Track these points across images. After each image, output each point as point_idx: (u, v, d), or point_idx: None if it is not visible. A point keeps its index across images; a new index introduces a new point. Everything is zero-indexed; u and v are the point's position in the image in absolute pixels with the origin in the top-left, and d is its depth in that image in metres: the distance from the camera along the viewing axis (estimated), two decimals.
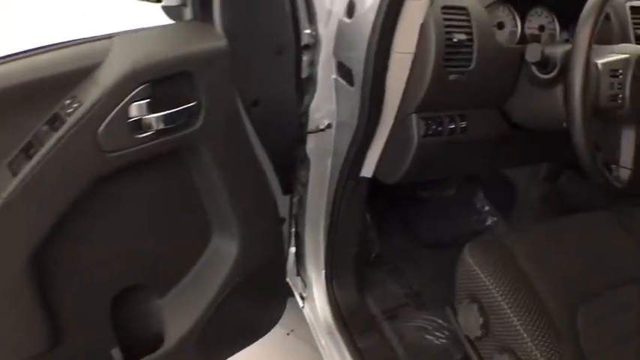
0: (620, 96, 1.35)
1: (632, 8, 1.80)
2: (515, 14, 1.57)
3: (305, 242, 1.77)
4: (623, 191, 1.38)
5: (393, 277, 2.04)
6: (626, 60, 1.37)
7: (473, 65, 1.40)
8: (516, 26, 1.58)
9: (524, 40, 1.58)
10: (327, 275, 1.73)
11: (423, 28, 1.32)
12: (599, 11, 1.28)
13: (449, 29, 1.36)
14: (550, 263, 1.44)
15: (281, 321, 1.82)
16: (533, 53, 1.37)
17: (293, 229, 1.78)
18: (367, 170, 1.53)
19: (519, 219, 2.28)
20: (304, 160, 1.64)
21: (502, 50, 1.47)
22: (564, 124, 1.34)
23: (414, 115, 1.43)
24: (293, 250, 1.83)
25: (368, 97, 1.36)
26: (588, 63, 1.26)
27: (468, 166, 1.75)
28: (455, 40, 1.36)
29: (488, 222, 2.33)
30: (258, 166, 1.46)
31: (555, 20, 1.65)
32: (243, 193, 1.43)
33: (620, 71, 1.35)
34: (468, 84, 1.42)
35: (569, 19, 1.58)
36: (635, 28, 1.77)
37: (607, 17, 1.69)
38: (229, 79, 1.29)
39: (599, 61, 1.34)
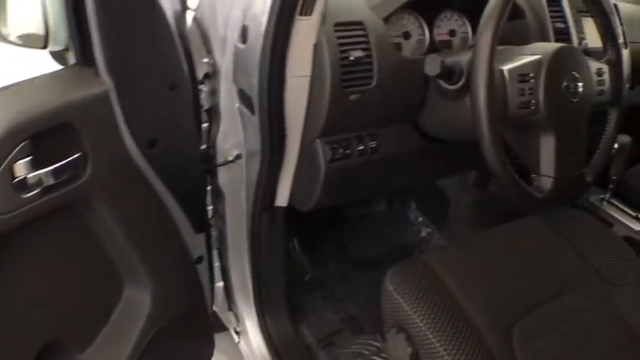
0: (533, 102, 1.27)
1: (549, 0, 1.77)
2: (422, 21, 1.52)
3: (232, 276, 1.71)
4: (545, 202, 1.31)
5: (329, 303, 1.98)
6: (537, 62, 1.28)
7: (374, 83, 1.35)
8: (424, 34, 1.53)
9: (434, 47, 1.54)
10: (257, 308, 1.66)
11: (317, 48, 1.26)
12: (500, 13, 1.20)
13: (344, 47, 1.31)
14: (480, 281, 1.39)
15: (223, 356, 1.76)
16: (432, 66, 1.30)
17: (217, 264, 1.72)
18: (281, 199, 1.47)
19: (453, 227, 2.24)
20: (218, 194, 1.59)
21: (405, 63, 1.42)
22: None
23: (318, 141, 1.38)
24: (221, 284, 1.77)
25: (267, 126, 1.30)
26: (492, 70, 1.19)
27: (386, 184, 1.69)
28: (351, 58, 1.31)
29: (423, 233, 2.28)
30: (161, 210, 1.39)
31: (467, 23, 1.60)
32: (147, 240, 1.37)
33: (531, 75, 1.27)
34: (372, 102, 1.37)
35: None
36: (553, 22, 1.74)
37: (522, 14, 1.65)
38: (113, 125, 1.24)
39: (505, 67, 1.25)
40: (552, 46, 1.34)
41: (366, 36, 1.34)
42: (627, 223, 1.99)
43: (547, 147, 1.30)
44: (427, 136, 1.53)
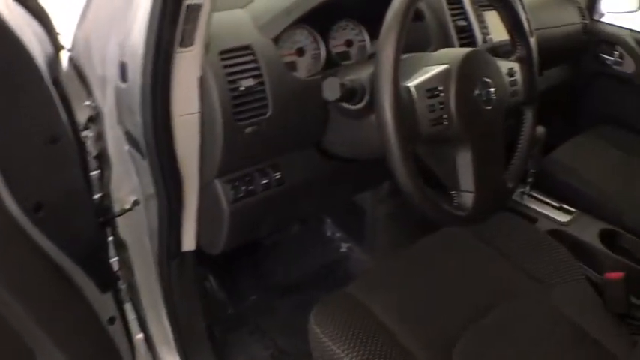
0: (445, 116, 1.17)
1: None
2: (316, 35, 1.44)
3: (150, 327, 1.60)
4: (468, 220, 1.23)
5: (256, 338, 1.90)
6: (445, 73, 1.19)
7: (270, 112, 1.26)
8: (319, 48, 1.45)
9: (331, 61, 1.47)
10: (182, 356, 1.58)
11: (203, 81, 1.16)
12: (402, 24, 1.11)
13: (233, 77, 1.21)
14: (409, 304, 1.34)
15: None
16: (330, 90, 1.17)
17: (133, 317, 1.62)
18: (188, 244, 1.37)
19: (372, 240, 2.18)
20: (121, 244, 1.49)
21: (301, 85, 1.33)
22: None
23: (217, 181, 1.29)
24: (141, 336, 1.67)
25: (159, 169, 1.20)
26: (397, 89, 1.08)
27: (297, 213, 1.63)
28: (242, 88, 1.21)
29: (343, 249, 2.22)
30: (58, 275, 1.29)
31: (364, 31, 1.53)
32: (46, 310, 1.26)
33: (440, 88, 1.17)
34: (271, 132, 1.28)
35: (378, 27, 1.46)
36: (455, 20, 1.70)
37: (421, 16, 1.60)
38: None
39: (412, 84, 1.15)
40: (459, 53, 1.24)
41: (255, 61, 1.25)
42: (551, 215, 1.98)
43: (464, 161, 1.22)
44: (334, 157, 1.46)
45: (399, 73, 1.11)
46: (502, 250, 1.53)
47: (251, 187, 1.32)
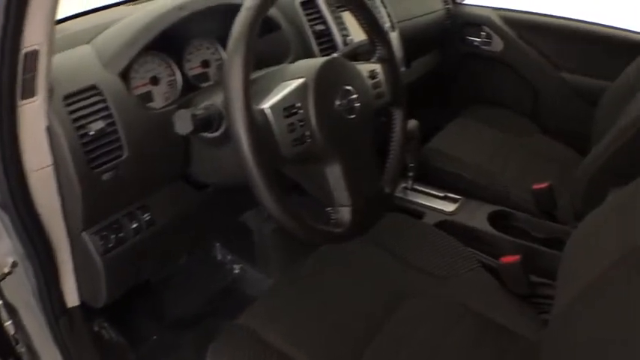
0: (307, 134, 1.13)
1: (303, 4, 1.71)
2: (169, 60, 1.40)
3: None
4: (347, 236, 1.20)
5: None
6: (301, 88, 1.14)
7: (126, 153, 1.21)
8: (174, 74, 1.41)
9: (189, 85, 1.43)
10: None
11: (51, 130, 1.08)
12: (247, 45, 1.05)
13: (81, 122, 1.15)
14: (309, 325, 1.32)
15: None
16: (182, 124, 1.13)
17: None
18: (72, 300, 1.30)
19: (263, 258, 2.17)
20: (11, 308, 1.41)
21: (156, 119, 1.28)
22: None
23: (85, 234, 1.23)
24: None
25: (22, 228, 1.12)
26: (250, 114, 1.03)
27: (179, 246, 1.59)
28: (92, 132, 1.15)
29: (236, 270, 2.19)
30: None
31: (220, 48, 1.51)
32: None
33: (298, 105, 1.13)
34: (131, 174, 1.23)
35: None
36: (312, 25, 1.70)
37: (276, 26, 1.59)
38: None
39: (266, 106, 1.10)
40: (315, 64, 1.20)
41: (103, 101, 1.19)
42: (437, 206, 2.00)
43: (335, 176, 1.19)
44: (205, 185, 1.43)
45: (253, 94, 1.07)
46: (393, 251, 1.55)
47: (121, 235, 1.27)
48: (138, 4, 1.60)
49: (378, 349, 1.28)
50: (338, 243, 1.23)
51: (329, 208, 1.22)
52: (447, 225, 1.88)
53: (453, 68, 2.84)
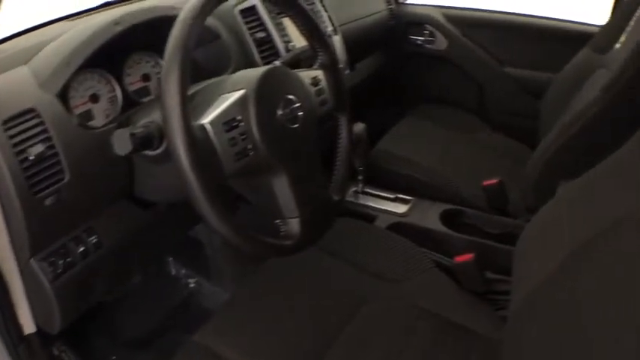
0: (250, 147, 1.11)
1: (243, 12, 1.70)
2: (108, 76, 1.38)
3: None
4: (297, 247, 1.19)
5: None
6: (241, 100, 1.12)
7: (67, 176, 1.18)
8: (114, 89, 1.39)
9: (130, 100, 1.41)
10: None
11: None
12: (182, 59, 1.01)
13: (20, 146, 1.12)
14: (266, 340, 1.32)
15: None
16: (121, 145, 1.10)
17: None
18: (28, 327, 1.28)
19: (218, 270, 2.16)
20: None
21: (97, 138, 1.25)
22: None
23: (32, 261, 1.20)
24: None
25: None
26: (189, 130, 1.00)
27: (130, 266, 1.56)
28: (31, 157, 1.12)
29: (192, 284, 2.16)
30: None
31: (160, 61, 1.49)
32: None
33: (239, 118, 1.10)
34: (75, 197, 1.21)
35: None
36: (253, 33, 1.69)
37: (216, 35, 1.57)
38: None
39: (206, 121, 1.07)
40: (255, 74, 1.17)
41: (42, 124, 1.16)
42: (388, 208, 2.00)
43: (281, 187, 1.18)
44: (151, 203, 1.41)
45: (193, 109, 1.07)
46: (346, 257, 1.55)
47: (69, 260, 1.24)
48: (77, 19, 1.58)
49: (337, 357, 1.28)
50: (289, 255, 1.21)
51: (278, 221, 1.20)
52: (399, 227, 1.89)
53: (397, 68, 2.86)
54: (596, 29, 2.01)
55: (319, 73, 1.38)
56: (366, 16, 2.43)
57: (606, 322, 0.79)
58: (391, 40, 2.73)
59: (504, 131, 2.40)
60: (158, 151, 1.16)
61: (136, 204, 1.39)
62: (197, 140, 1.02)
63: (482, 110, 2.63)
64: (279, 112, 1.18)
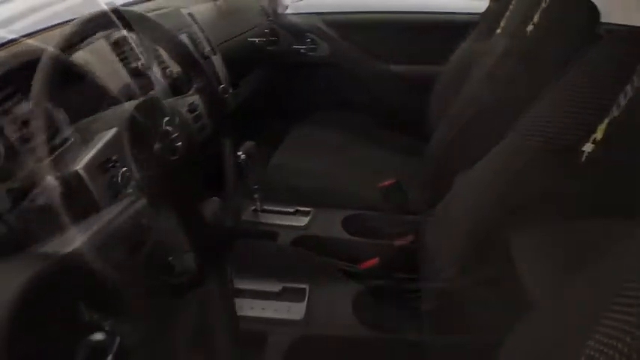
0: (130, 184, 1.07)
1: (114, 44, 1.67)
2: None
3: None
4: (194, 281, 1.18)
5: None
6: (115, 139, 1.07)
7: None
8: None
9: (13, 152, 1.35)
10: None
11: None
12: (44, 110, 0.96)
13: None
14: None
15: None
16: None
17: None
18: None
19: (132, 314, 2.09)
20: None
21: None
22: None
23: None
24: None
25: None
26: (65, 179, 0.96)
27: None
28: None
29: (107, 329, 2.08)
30: None
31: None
32: None
33: (114, 158, 1.05)
34: None
35: None
36: (127, 64, 1.66)
37: (87, 72, 1.54)
38: None
39: (79, 167, 0.99)
40: (126, 110, 1.14)
41: None
42: (290, 223, 1.96)
43: (170, 222, 1.15)
44: None
45: (66, 153, 1.04)
46: (249, 281, 1.51)
47: None
48: None
49: None
50: (190, 291, 1.19)
51: (171, 258, 1.18)
52: (303, 240, 1.87)
53: (284, 80, 2.86)
54: (477, 17, 2.07)
55: (196, 99, 1.37)
56: (245, 32, 2.43)
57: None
58: (274, 53, 2.73)
59: (397, 128, 2.43)
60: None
61: None
62: (72, 188, 0.97)
63: (373, 110, 2.66)
64: (157, 146, 1.15)
